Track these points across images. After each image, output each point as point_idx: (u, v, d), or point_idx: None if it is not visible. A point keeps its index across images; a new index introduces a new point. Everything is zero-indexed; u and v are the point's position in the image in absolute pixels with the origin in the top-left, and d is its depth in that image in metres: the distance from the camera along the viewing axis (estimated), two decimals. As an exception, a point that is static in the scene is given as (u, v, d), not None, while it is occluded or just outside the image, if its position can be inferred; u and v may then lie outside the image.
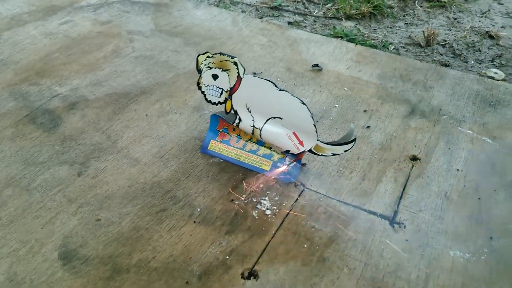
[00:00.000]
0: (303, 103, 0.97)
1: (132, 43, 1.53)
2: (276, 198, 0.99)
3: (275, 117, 1.00)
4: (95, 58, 1.43)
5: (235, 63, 1.00)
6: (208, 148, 1.10)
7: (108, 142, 1.11)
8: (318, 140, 0.99)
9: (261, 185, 1.01)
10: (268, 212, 0.96)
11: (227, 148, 1.09)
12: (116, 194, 0.97)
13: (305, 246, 0.89)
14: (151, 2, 1.83)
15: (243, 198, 0.99)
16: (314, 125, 0.97)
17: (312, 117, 0.97)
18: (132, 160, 1.06)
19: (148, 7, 1.78)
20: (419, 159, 1.12)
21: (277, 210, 0.96)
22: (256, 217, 0.95)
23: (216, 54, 1.02)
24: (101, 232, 0.88)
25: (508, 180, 1.08)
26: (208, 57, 1.03)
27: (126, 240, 0.87)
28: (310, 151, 1.00)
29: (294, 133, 0.99)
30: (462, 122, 1.27)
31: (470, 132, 1.23)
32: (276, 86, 0.98)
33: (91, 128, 1.15)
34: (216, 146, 1.10)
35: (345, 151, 0.99)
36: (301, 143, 0.99)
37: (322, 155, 1.00)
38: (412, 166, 1.10)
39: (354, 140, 0.97)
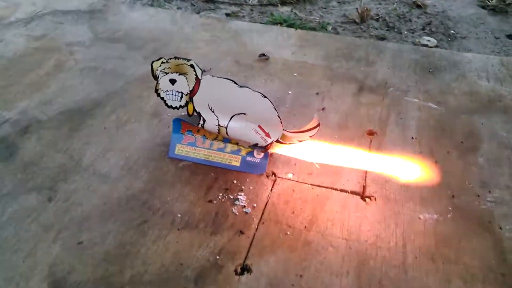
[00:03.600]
0: (265, 96, 1.00)
1: (73, 55, 1.49)
2: (252, 191, 1.02)
3: (239, 114, 1.02)
4: (38, 76, 1.38)
5: (192, 66, 1.01)
6: (176, 152, 1.11)
7: (72, 162, 1.09)
8: (283, 130, 1.02)
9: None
10: (246, 206, 0.99)
11: (194, 150, 1.10)
12: (93, 214, 0.96)
13: (288, 233, 0.93)
14: (83, 9, 1.77)
15: (220, 197, 1.01)
16: (278, 116, 1.01)
17: (275, 109, 1.00)
18: (101, 177, 1.05)
19: (81, 15, 1.73)
20: (376, 133, 1.19)
21: (255, 203, 0.99)
22: (237, 213, 0.97)
23: (170, 58, 1.02)
24: (86, 255, 0.88)
25: (457, 141, 1.17)
26: (163, 62, 1.03)
27: (114, 258, 0.87)
28: (277, 141, 1.03)
29: (259, 126, 1.02)
30: (407, 92, 1.35)
31: (416, 100, 1.32)
32: (236, 83, 1.00)
33: (50, 150, 1.12)
34: (183, 149, 1.10)
35: (310, 136, 1.03)
36: (267, 135, 1.02)
37: (289, 144, 1.04)
38: (371, 140, 1.17)
39: (318, 125, 1.01)
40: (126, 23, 1.70)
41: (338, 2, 1.96)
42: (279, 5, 1.92)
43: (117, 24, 1.69)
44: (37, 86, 1.34)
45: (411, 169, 1.09)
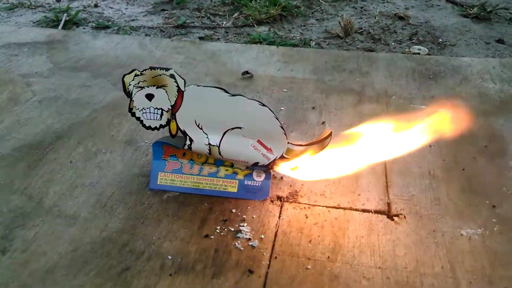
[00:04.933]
0: (263, 105, 0.84)
1: (30, 87, 1.29)
2: (256, 220, 0.84)
3: (233, 128, 0.85)
4: (-12, 111, 1.18)
5: (172, 76, 0.85)
6: (158, 182, 0.92)
7: (31, 203, 0.88)
8: (289, 143, 0.85)
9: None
10: (252, 239, 0.80)
11: (181, 177, 0.91)
12: (59, 265, 0.75)
13: (309, 267, 0.75)
14: (41, 41, 1.59)
15: (218, 231, 0.82)
16: (281, 127, 0.84)
17: (277, 118, 0.84)
18: (68, 218, 0.85)
19: (39, 46, 1.55)
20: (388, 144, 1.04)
21: (262, 234, 0.81)
22: (241, 249, 0.78)
23: (145, 70, 0.85)
24: (52, 319, 0.67)
25: (481, 145, 1.03)
26: (136, 75, 0.86)
27: (89, 320, 0.66)
28: (281, 157, 0.86)
29: (259, 141, 0.85)
30: (412, 99, 1.22)
31: (424, 107, 1.18)
32: (227, 91, 0.84)
33: (4, 192, 0.91)
34: (167, 178, 0.92)
35: (322, 149, 0.86)
36: (269, 150, 0.85)
37: (296, 159, 0.87)
38: (385, 152, 1.01)
39: (330, 135, 0.85)
40: (89, 51, 1.52)
41: (317, 20, 1.85)
42: (255, 25, 1.80)
43: (79, 53, 1.51)
44: (-13, 122, 1.14)
45: (437, 180, 0.93)
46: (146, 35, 1.77)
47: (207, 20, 1.89)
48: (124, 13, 1.99)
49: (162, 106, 0.86)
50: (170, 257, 0.77)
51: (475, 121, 1.11)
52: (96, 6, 2.06)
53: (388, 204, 0.87)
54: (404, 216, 0.84)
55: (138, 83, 0.86)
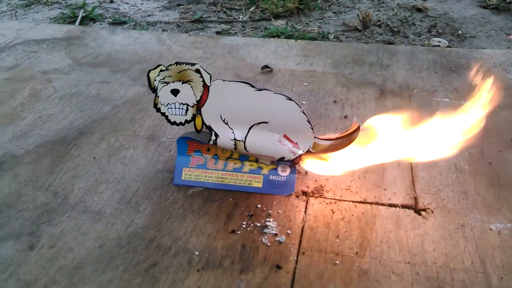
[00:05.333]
0: (290, 99, 0.83)
1: (51, 83, 1.30)
2: (282, 216, 0.84)
3: (259, 123, 0.85)
4: (11, 108, 1.19)
5: (197, 70, 0.84)
6: (182, 178, 0.92)
7: (57, 199, 0.89)
8: (315, 137, 0.84)
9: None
10: (279, 234, 0.80)
11: (205, 173, 0.91)
12: (87, 261, 0.75)
13: (337, 262, 0.74)
14: (59, 37, 1.60)
15: (244, 226, 0.82)
16: (308, 121, 0.83)
17: (303, 112, 0.83)
18: (94, 214, 0.85)
19: (58, 43, 1.56)
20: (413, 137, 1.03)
21: (289, 230, 0.81)
22: (268, 244, 0.78)
23: (171, 65, 0.85)
24: (84, 314, 0.67)
25: (507, 139, 1.01)
26: (161, 70, 0.85)
27: (120, 315, 0.67)
28: (308, 152, 0.86)
29: (285, 135, 0.85)
30: (435, 92, 1.20)
31: (448, 100, 1.17)
32: (253, 86, 0.84)
33: (29, 188, 0.92)
34: (192, 173, 0.92)
35: (349, 143, 0.85)
36: (295, 145, 0.85)
37: (323, 154, 0.86)
38: (410, 146, 1.00)
39: (358, 129, 0.84)
40: (108, 47, 1.53)
41: (334, 13, 1.84)
42: (272, 19, 1.79)
43: (98, 49, 1.52)
44: (10, 119, 1.14)
45: (464, 174, 0.92)
46: (163, 30, 1.76)
47: (223, 14, 1.88)
48: (140, 9, 1.99)
49: (187, 101, 0.86)
50: (197, 252, 0.77)
51: (500, 114, 1.09)
52: (111, 1, 2.06)
53: (415, 199, 0.86)
54: (432, 211, 0.83)
55: (164, 78, 0.86)
